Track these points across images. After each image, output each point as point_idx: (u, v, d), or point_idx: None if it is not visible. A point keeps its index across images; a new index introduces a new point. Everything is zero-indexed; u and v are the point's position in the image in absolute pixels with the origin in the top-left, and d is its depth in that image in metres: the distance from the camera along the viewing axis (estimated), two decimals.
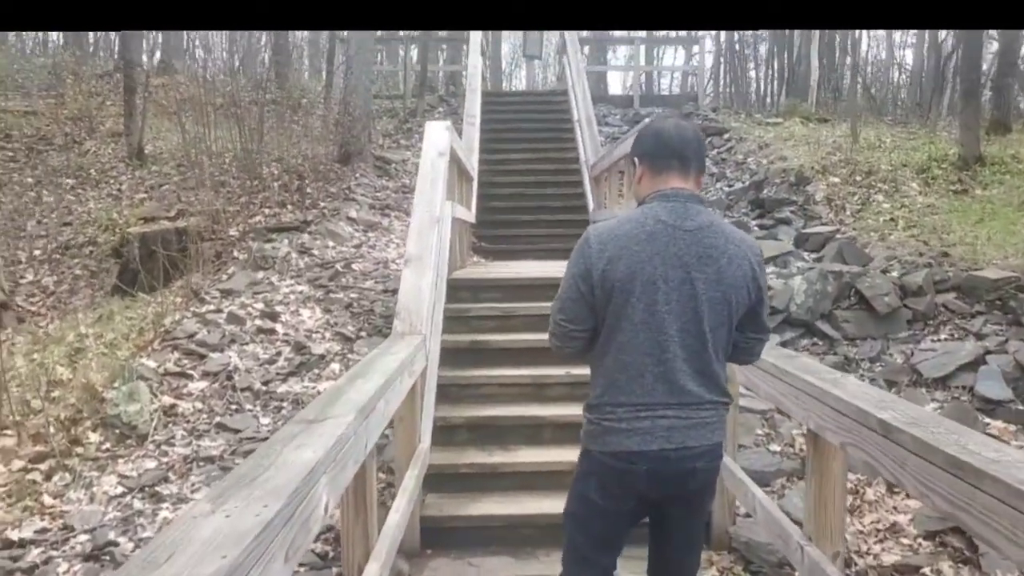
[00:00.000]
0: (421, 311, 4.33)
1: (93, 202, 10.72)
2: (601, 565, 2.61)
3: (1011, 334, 6.49)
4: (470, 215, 8.60)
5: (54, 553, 4.06)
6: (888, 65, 27.11)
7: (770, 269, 7.52)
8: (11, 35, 22.32)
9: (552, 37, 27.42)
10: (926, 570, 4.14)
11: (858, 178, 10.52)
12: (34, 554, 4.04)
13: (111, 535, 4.17)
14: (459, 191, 7.52)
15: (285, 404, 5.64)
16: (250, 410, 5.55)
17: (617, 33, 28.36)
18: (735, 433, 4.30)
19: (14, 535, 4.13)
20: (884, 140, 12.60)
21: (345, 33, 13.28)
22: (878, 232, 8.79)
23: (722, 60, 28.33)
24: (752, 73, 28.39)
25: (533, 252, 9.82)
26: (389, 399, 3.04)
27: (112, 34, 22.28)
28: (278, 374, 6.03)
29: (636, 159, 2.57)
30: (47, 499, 4.43)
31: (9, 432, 4.82)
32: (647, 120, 2.85)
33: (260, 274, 7.78)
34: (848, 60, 22.28)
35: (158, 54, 20.65)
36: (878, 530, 4.55)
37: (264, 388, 5.82)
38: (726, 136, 13.56)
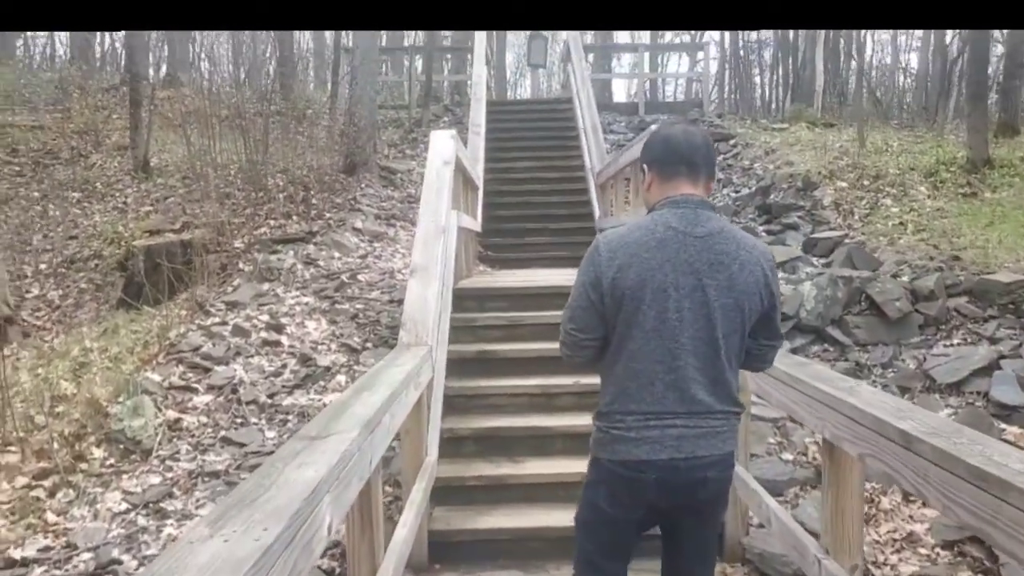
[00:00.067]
0: (427, 321, 4.27)
1: (99, 215, 10.72)
2: (610, 572, 2.59)
3: None
4: (476, 224, 8.56)
5: (57, 573, 4.01)
6: (893, 69, 27.04)
7: (779, 275, 7.45)
8: (19, 50, 22.47)
9: (556, 46, 27.48)
10: None
11: (866, 182, 10.45)
12: (36, 573, 3.99)
13: (115, 553, 4.11)
14: (465, 200, 7.48)
15: (291, 417, 5.59)
16: (255, 423, 5.50)
17: (621, 40, 28.37)
18: (747, 442, 4.23)
19: (16, 554, 4.07)
20: (891, 144, 12.52)
21: (350, 43, 13.28)
22: (887, 236, 8.72)
23: (727, 66, 28.28)
24: (757, 79, 28.36)
25: (539, 260, 9.77)
26: (395, 412, 2.98)
27: (119, 47, 22.38)
28: (284, 387, 5.98)
29: (645, 166, 2.54)
30: (50, 516, 4.38)
31: (13, 448, 4.78)
32: (655, 126, 2.80)
33: (265, 286, 7.74)
34: (853, 64, 22.21)
35: (164, 68, 20.72)
36: (894, 540, 4.47)
37: (269, 401, 5.77)
38: (732, 142, 13.49)
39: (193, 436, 5.29)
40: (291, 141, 12.34)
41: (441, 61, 22.33)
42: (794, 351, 6.44)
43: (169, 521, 4.43)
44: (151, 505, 4.56)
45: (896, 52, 27.90)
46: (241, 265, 8.45)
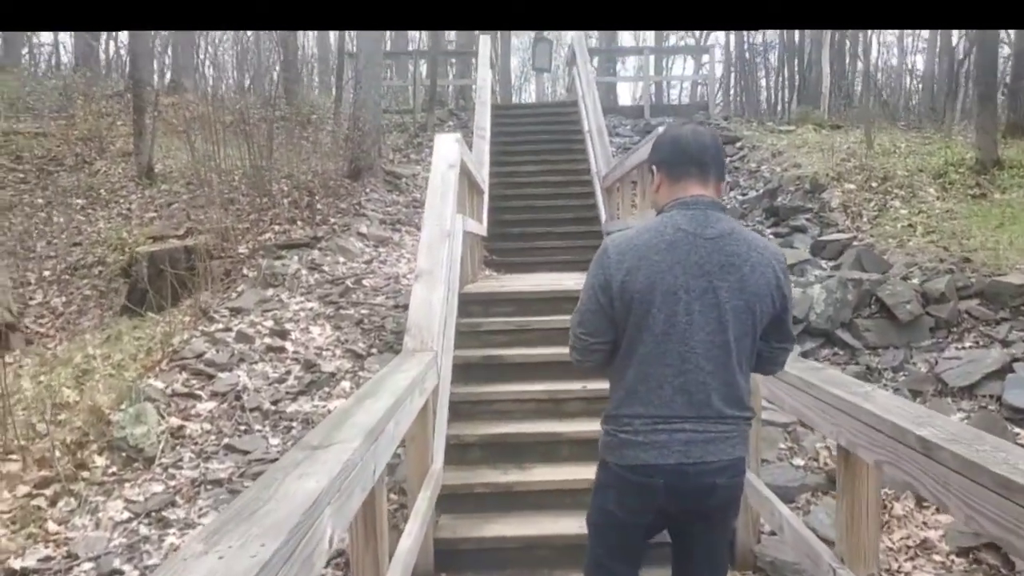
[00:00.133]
0: (432, 327, 4.22)
1: (103, 222, 10.69)
2: (620, 575, 2.57)
3: None
4: (481, 228, 8.51)
5: None
6: (900, 71, 26.96)
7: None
8: (24, 58, 22.49)
9: (561, 50, 27.47)
10: None
11: (874, 184, 10.37)
12: None
13: (116, 563, 4.06)
14: (470, 204, 7.43)
15: (295, 424, 5.54)
16: (259, 431, 5.44)
17: (626, 44, 28.36)
18: (758, 448, 4.17)
19: (16, 564, 4.02)
20: (899, 145, 12.45)
21: (354, 48, 13.26)
22: (896, 238, 8.64)
23: (732, 69, 28.21)
24: (763, 81, 28.28)
25: (545, 265, 9.74)
26: (399, 420, 2.93)
27: (123, 54, 22.39)
28: (288, 393, 5.93)
29: (654, 167, 2.51)
30: (51, 525, 4.33)
31: (14, 456, 4.73)
32: (663, 127, 2.76)
33: (270, 291, 7.70)
34: (859, 66, 22.15)
35: (168, 74, 20.72)
36: (908, 547, 4.41)
37: (273, 408, 5.72)
38: (738, 144, 13.42)
39: (196, 444, 5.24)
40: (295, 146, 12.31)
41: (446, 65, 22.37)
42: (804, 355, 6.38)
43: (171, 530, 4.38)
44: (153, 514, 4.51)
45: (902, 54, 27.83)
46: (245, 271, 8.41)
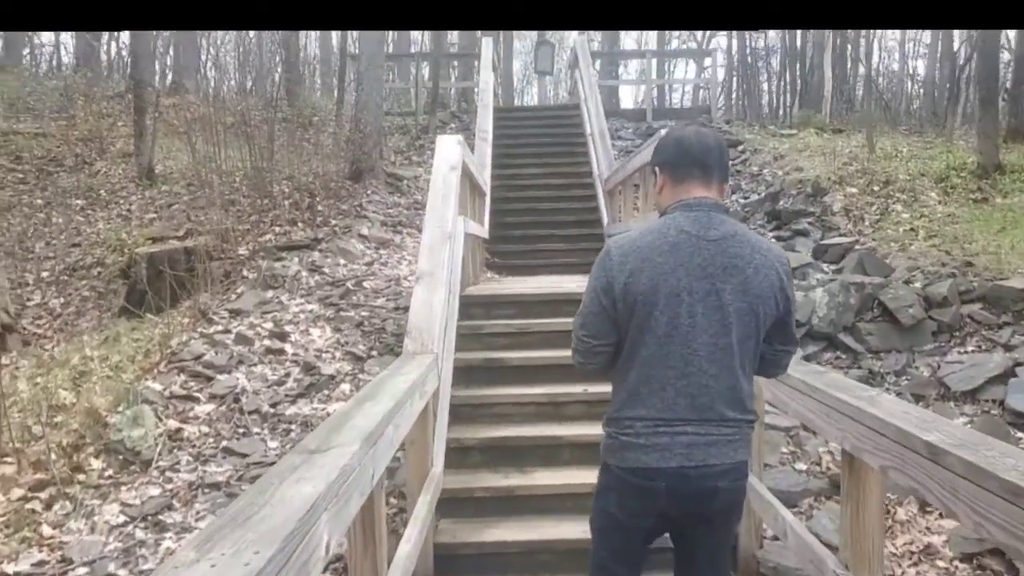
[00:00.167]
0: (433, 329, 4.18)
1: (102, 223, 10.66)
2: None
3: None
4: (483, 231, 8.48)
5: None
6: (901, 76, 26.96)
7: None
8: (25, 58, 22.48)
9: (563, 53, 27.46)
10: None
11: (876, 188, 10.35)
12: None
13: (111, 567, 4.02)
14: (472, 206, 7.40)
15: (294, 427, 5.50)
16: (258, 433, 5.41)
17: (628, 47, 28.37)
18: (761, 452, 4.13)
19: (10, 568, 3.98)
20: (900, 150, 12.44)
21: (356, 50, 13.23)
22: (898, 242, 8.61)
23: (734, 73, 28.21)
24: (764, 85, 28.28)
25: (547, 267, 9.72)
26: (399, 423, 2.89)
27: (125, 55, 22.39)
28: (287, 396, 5.89)
29: (657, 168, 2.51)
30: (46, 529, 4.28)
31: (9, 459, 4.69)
32: (666, 129, 2.74)
33: (269, 293, 7.67)
34: (861, 70, 22.15)
35: (169, 75, 20.70)
36: (912, 552, 4.37)
37: (272, 410, 5.68)
38: (740, 148, 13.41)
39: (194, 446, 5.20)
40: (297, 148, 12.28)
41: (448, 68, 22.36)
42: (806, 358, 6.35)
43: (168, 534, 4.33)
44: (150, 518, 4.47)
45: (904, 58, 27.85)
46: (245, 272, 8.38)
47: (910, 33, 28.13)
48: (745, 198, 11.43)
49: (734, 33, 27.06)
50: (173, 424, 5.33)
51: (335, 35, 24.21)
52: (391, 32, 24.02)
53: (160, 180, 11.91)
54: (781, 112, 23.26)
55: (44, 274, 9.39)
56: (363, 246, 9.29)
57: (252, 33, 21.58)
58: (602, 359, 2.44)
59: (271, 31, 18.95)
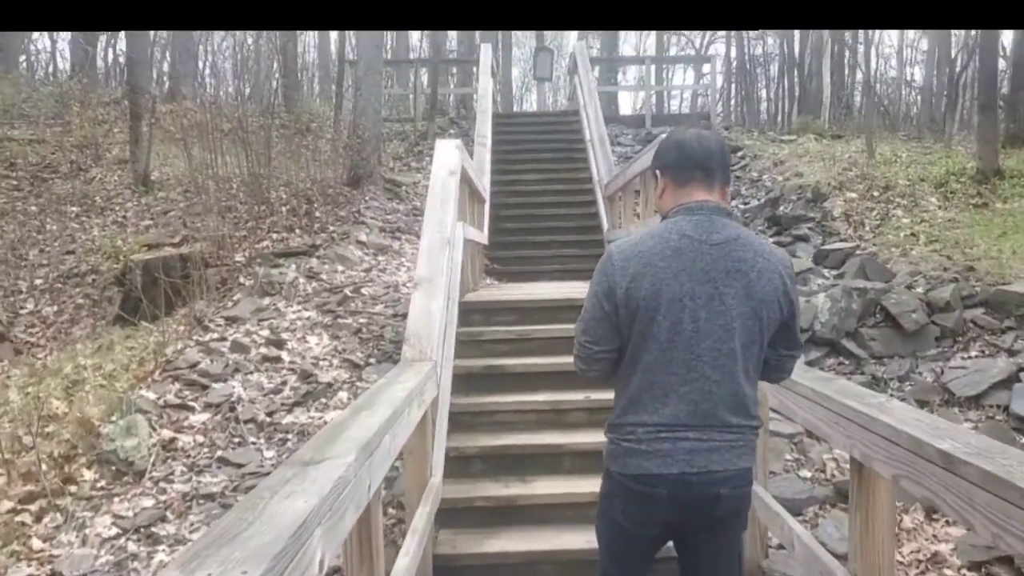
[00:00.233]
0: (432, 336, 4.11)
1: (97, 230, 10.59)
2: None
3: None
4: (483, 236, 8.43)
5: None
6: (899, 82, 26.99)
7: None
8: (21, 65, 22.43)
9: (562, 59, 27.44)
10: None
11: (876, 193, 10.32)
12: None
13: None
14: (471, 212, 7.35)
15: (290, 436, 5.43)
16: (253, 443, 5.33)
17: (627, 53, 28.37)
18: (766, 460, 4.06)
19: None
20: (900, 155, 12.42)
21: (354, 55, 13.20)
22: (899, 247, 8.57)
23: (732, 79, 28.21)
24: (763, 91, 28.28)
25: (547, 273, 9.71)
26: (396, 433, 2.82)
27: (121, 60, 22.33)
28: (283, 404, 5.81)
29: (658, 172, 2.48)
30: (36, 543, 4.20)
31: None
32: (667, 132, 2.68)
33: (266, 300, 7.60)
34: (859, 76, 22.16)
35: (167, 82, 20.64)
36: (919, 561, 4.31)
37: (268, 419, 5.60)
38: (740, 154, 13.39)
39: (188, 456, 5.13)
40: (294, 154, 12.22)
41: (447, 74, 22.32)
42: (809, 364, 6.28)
43: (161, 547, 4.26)
44: (143, 530, 4.39)
45: (901, 65, 27.87)
46: (242, 279, 8.31)
47: (907, 39, 28.24)
48: (745, 204, 11.40)
49: (732, 39, 27.12)
50: (167, 434, 5.25)
51: (333, 41, 24.22)
52: (389, 38, 24.02)
53: (156, 187, 11.85)
54: (780, 118, 23.22)
55: (38, 281, 9.32)
56: (361, 252, 9.22)
57: (250, 39, 21.53)
58: (604, 365, 2.42)
59: (269, 35, 18.90)
